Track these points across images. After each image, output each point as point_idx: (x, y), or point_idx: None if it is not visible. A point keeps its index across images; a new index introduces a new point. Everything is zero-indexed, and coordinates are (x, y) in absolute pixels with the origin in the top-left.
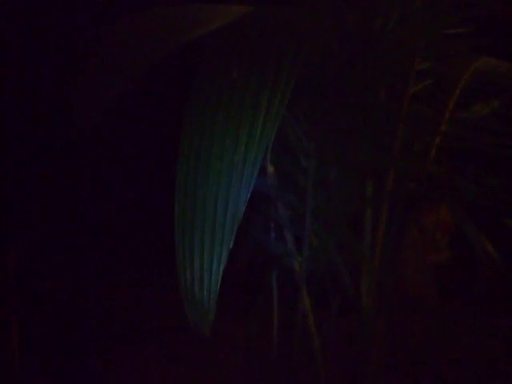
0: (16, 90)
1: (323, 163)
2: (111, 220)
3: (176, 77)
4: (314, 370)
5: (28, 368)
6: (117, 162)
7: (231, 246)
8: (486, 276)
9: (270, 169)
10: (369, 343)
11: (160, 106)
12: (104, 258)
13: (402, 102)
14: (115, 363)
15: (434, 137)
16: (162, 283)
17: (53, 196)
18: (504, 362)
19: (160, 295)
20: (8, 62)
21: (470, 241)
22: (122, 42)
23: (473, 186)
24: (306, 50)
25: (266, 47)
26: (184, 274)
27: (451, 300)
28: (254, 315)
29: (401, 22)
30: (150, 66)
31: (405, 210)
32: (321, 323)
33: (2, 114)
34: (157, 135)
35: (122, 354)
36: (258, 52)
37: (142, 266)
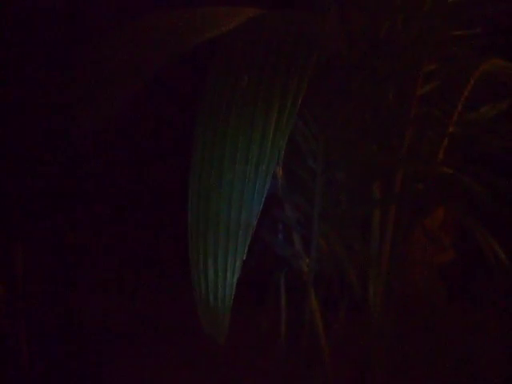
0: (19, 89)
1: (331, 165)
2: (119, 221)
3: (186, 81)
4: (321, 370)
5: (36, 368)
6: (127, 168)
7: (244, 258)
8: (492, 276)
9: (278, 170)
10: (376, 344)
11: (170, 112)
12: (115, 260)
13: (410, 104)
14: (121, 364)
15: (442, 138)
16: (169, 283)
17: (60, 196)
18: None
19: (166, 295)
20: (10, 63)
21: (478, 242)
22: (132, 45)
23: (480, 187)
24: (317, 54)
25: (276, 51)
26: (198, 283)
27: (458, 300)
28: (262, 316)
29: (409, 24)
30: (159, 70)
31: (413, 212)
32: (328, 324)
33: (6, 113)
34: (168, 142)
35: (127, 354)
36: (268, 56)
37: (151, 266)
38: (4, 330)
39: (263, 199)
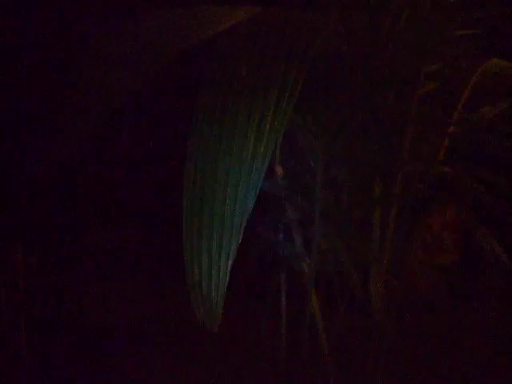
0: (19, 92)
1: (332, 165)
2: (116, 219)
3: (185, 75)
4: (322, 369)
5: (36, 367)
6: (123, 159)
7: (239, 242)
8: (494, 276)
9: (279, 170)
10: (377, 343)
11: (170, 105)
12: (109, 259)
13: (410, 104)
14: (121, 362)
15: (442, 138)
16: (167, 282)
17: (59, 197)
18: None
19: (167, 295)
20: (8, 66)
21: (479, 242)
22: (132, 43)
23: (481, 186)
24: (314, 51)
25: (274, 48)
26: (192, 270)
27: (460, 300)
28: (263, 315)
29: (409, 24)
30: (161, 65)
31: (413, 211)
32: (329, 323)
33: (6, 114)
34: (166, 132)
35: (127, 353)
36: (266, 53)
37: (148, 263)
38: (4, 330)
39: (259, 184)
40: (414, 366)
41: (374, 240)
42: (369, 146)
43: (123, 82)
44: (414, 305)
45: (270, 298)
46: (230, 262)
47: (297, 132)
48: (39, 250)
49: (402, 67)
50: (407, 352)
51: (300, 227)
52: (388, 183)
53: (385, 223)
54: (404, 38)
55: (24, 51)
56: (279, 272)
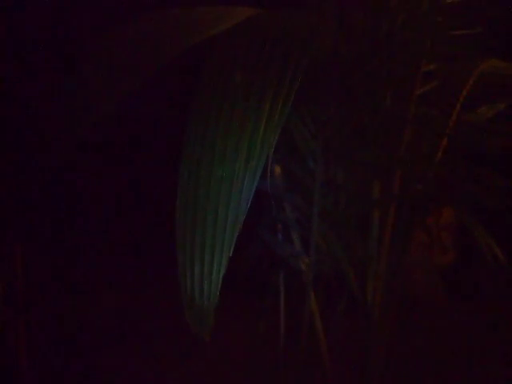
0: (18, 90)
1: (330, 165)
2: (114, 222)
3: (180, 80)
4: (320, 370)
5: (35, 367)
6: (119, 165)
7: (231, 254)
8: (492, 276)
9: (277, 170)
10: (375, 343)
11: (162, 111)
12: (107, 260)
13: (408, 104)
14: (120, 363)
15: (440, 139)
16: (165, 283)
17: (59, 197)
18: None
19: (165, 295)
20: (7, 64)
21: (477, 242)
22: (130, 44)
23: (479, 187)
24: (310, 54)
25: (269, 50)
26: (184, 279)
27: (458, 300)
28: (261, 316)
29: (407, 24)
30: (154, 70)
31: (411, 212)
32: (328, 324)
33: (5, 113)
34: (159, 140)
35: (127, 354)
36: (261, 55)
37: (144, 267)
38: (4, 330)
39: (251, 196)
40: (412, 365)
41: (373, 240)
42: (367, 145)
43: (121, 83)
44: (412, 305)
45: (269, 297)
46: (222, 273)
47: (295, 132)
48: (39, 251)
49: (401, 67)
50: (405, 352)
51: (298, 227)
52: (386, 183)
53: (383, 223)
54: (402, 38)
55: (25, 50)
56: (278, 271)
